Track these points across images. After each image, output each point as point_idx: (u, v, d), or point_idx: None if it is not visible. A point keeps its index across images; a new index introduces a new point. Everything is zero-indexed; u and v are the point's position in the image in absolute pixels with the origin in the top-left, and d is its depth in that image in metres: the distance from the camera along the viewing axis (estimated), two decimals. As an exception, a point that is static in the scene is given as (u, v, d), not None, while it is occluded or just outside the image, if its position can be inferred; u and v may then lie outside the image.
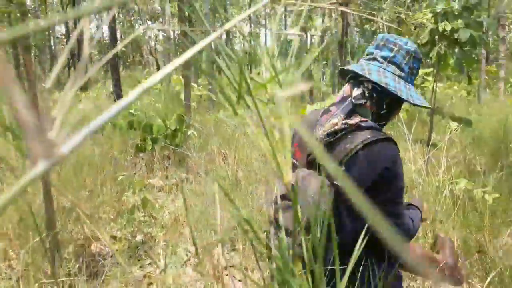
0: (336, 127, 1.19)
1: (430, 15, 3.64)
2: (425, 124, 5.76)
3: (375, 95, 1.21)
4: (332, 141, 1.19)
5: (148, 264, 2.92)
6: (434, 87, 3.82)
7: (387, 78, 1.20)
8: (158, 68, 16.05)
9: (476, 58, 4.02)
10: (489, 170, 3.44)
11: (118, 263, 2.78)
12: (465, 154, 3.93)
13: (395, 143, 1.20)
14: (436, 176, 3.03)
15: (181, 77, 6.89)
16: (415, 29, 5.77)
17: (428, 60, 3.93)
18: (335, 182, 1.14)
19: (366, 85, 1.21)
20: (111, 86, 8.61)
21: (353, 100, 1.22)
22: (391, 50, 1.24)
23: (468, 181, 2.85)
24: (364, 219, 0.98)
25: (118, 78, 8.26)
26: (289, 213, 1.10)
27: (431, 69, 6.12)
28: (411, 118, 5.91)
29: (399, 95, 1.18)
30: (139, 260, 2.94)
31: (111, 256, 2.89)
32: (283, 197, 1.12)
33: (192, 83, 6.68)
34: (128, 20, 21.81)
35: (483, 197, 2.72)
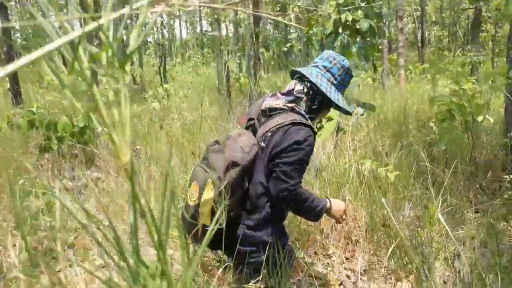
0: (277, 106, 1.65)
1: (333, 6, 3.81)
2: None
3: (311, 92, 1.66)
4: (272, 114, 1.66)
5: (58, 271, 2.72)
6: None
7: (322, 81, 1.65)
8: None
9: (377, 47, 4.29)
10: (391, 151, 3.71)
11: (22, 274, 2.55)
12: (370, 137, 4.20)
13: (314, 132, 1.64)
14: (344, 158, 3.20)
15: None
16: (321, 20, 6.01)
17: (334, 50, 4.12)
18: (259, 143, 1.63)
19: (306, 84, 1.66)
20: None
21: (295, 93, 1.67)
22: (330, 62, 1.69)
23: (373, 162, 3.05)
24: (269, 175, 1.62)
25: None
26: (218, 154, 1.59)
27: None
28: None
29: (328, 95, 1.64)
30: (46, 268, 2.72)
31: (15, 267, 2.65)
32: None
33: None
34: None
35: (386, 175, 2.93)
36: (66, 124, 4.62)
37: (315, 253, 2.76)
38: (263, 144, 1.64)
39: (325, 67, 1.68)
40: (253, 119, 1.76)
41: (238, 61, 14.20)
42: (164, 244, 0.35)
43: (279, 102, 1.67)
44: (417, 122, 5.29)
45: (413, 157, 3.67)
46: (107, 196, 3.58)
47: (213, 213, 1.56)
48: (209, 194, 1.56)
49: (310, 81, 1.66)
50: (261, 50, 10.86)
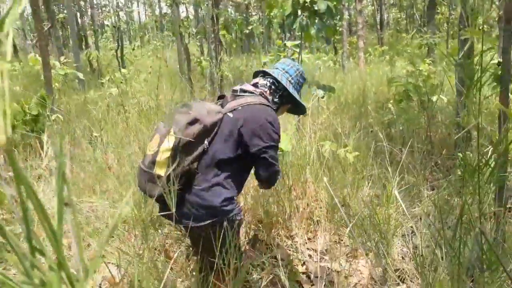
0: (248, 89, 1.88)
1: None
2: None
3: (273, 87, 1.92)
4: (242, 95, 1.86)
5: (11, 265, 2.61)
6: (300, 57, 4.02)
7: (282, 79, 1.92)
8: None
9: (335, 29, 4.31)
10: (351, 132, 3.77)
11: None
12: (330, 120, 4.25)
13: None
14: (305, 141, 3.22)
15: (38, 56, 6.17)
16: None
17: (293, 32, 4.10)
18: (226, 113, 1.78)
19: (269, 79, 1.93)
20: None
21: (259, 86, 1.92)
22: (288, 65, 1.98)
23: (332, 143, 3.08)
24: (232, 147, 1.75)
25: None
26: (184, 115, 1.70)
27: (299, 41, 6.43)
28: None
29: (287, 87, 1.90)
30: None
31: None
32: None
33: (55, 62, 6.03)
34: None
35: (345, 156, 2.98)
36: (18, 111, 4.39)
37: (278, 234, 2.79)
38: (230, 115, 1.76)
39: (283, 69, 1.96)
40: (224, 96, 1.94)
41: (199, 44, 13.95)
42: (59, 234, 0.32)
43: (249, 87, 1.89)
44: (376, 104, 5.41)
45: (372, 137, 3.75)
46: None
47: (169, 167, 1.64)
48: (168, 143, 1.65)
49: (272, 77, 1.92)
50: (222, 32, 10.69)
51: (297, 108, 2.04)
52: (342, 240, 2.67)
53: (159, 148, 1.67)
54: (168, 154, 1.65)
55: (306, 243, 2.76)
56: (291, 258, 2.56)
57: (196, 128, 1.67)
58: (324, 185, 3.01)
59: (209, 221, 1.68)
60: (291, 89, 1.91)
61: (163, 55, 14.28)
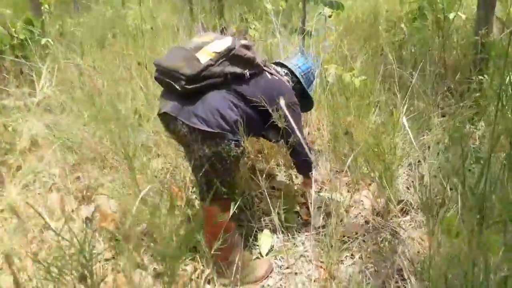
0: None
1: None
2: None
3: (287, 78, 2.10)
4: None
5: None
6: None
7: (296, 71, 2.14)
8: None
9: None
10: (358, 55, 3.50)
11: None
12: (338, 41, 3.94)
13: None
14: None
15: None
16: None
17: None
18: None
19: (284, 70, 2.14)
20: None
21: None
22: (302, 62, 2.19)
23: (338, 67, 2.84)
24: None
25: None
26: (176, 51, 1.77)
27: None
28: (290, 9, 5.75)
29: (301, 81, 2.13)
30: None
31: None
32: None
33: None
34: None
35: (351, 80, 2.75)
36: (3, 34, 4.13)
37: (278, 164, 2.67)
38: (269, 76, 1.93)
39: (297, 65, 2.16)
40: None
41: None
42: None
43: (278, 68, 2.13)
44: (388, 23, 5.01)
45: (382, 60, 3.47)
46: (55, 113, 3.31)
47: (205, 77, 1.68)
48: (223, 45, 1.73)
49: (288, 69, 2.13)
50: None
51: (305, 102, 2.16)
52: (344, 171, 2.54)
53: (213, 41, 1.75)
54: (218, 51, 1.70)
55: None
56: (290, 188, 2.46)
57: (248, 53, 1.77)
58: (326, 112, 2.83)
59: (218, 131, 1.67)
60: (303, 81, 2.13)
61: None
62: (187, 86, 1.65)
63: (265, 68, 1.92)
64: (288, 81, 2.09)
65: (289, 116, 1.74)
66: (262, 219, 2.26)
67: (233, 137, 1.71)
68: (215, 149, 1.69)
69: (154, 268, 1.77)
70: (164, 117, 1.77)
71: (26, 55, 4.09)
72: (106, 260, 1.94)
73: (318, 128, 2.78)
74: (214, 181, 1.72)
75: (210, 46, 1.74)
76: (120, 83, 3.03)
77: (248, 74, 1.78)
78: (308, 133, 2.74)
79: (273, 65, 2.13)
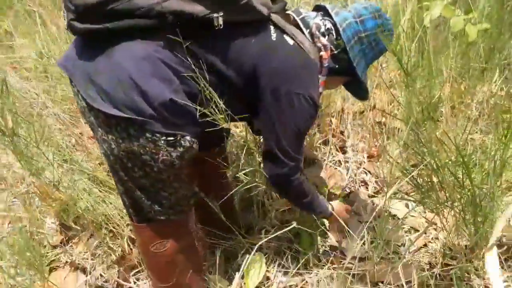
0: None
1: None
2: None
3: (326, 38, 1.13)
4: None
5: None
6: None
7: (348, 30, 1.12)
8: None
9: None
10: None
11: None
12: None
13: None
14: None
15: None
16: None
17: None
18: None
19: (325, 24, 1.14)
20: None
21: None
22: (368, 11, 1.13)
23: (447, 5, 1.83)
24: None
25: None
26: None
27: None
28: None
29: (348, 49, 1.12)
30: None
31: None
32: None
33: None
34: None
35: (465, 28, 1.76)
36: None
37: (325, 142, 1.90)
38: None
39: (359, 15, 1.13)
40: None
41: None
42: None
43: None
44: None
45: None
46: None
47: None
48: None
49: (333, 22, 1.14)
50: None
51: (352, 88, 1.31)
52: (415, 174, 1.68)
53: None
54: None
55: (364, 162, 1.86)
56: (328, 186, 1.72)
57: None
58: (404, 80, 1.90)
59: (130, 115, 0.98)
60: (354, 51, 1.13)
61: None
62: (77, 25, 0.90)
63: (273, 18, 1.04)
64: (326, 49, 1.11)
65: (273, 112, 1.05)
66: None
67: (162, 129, 0.96)
68: (128, 146, 0.97)
69: None
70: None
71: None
72: None
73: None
74: (136, 196, 1.06)
75: None
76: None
77: (221, 22, 0.92)
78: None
79: (303, 13, 1.15)
